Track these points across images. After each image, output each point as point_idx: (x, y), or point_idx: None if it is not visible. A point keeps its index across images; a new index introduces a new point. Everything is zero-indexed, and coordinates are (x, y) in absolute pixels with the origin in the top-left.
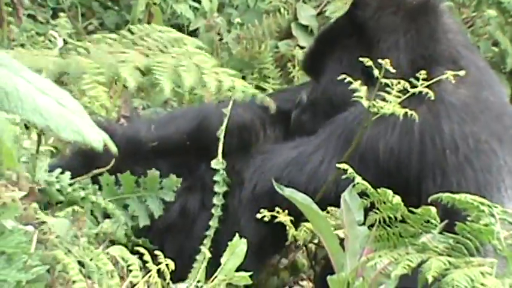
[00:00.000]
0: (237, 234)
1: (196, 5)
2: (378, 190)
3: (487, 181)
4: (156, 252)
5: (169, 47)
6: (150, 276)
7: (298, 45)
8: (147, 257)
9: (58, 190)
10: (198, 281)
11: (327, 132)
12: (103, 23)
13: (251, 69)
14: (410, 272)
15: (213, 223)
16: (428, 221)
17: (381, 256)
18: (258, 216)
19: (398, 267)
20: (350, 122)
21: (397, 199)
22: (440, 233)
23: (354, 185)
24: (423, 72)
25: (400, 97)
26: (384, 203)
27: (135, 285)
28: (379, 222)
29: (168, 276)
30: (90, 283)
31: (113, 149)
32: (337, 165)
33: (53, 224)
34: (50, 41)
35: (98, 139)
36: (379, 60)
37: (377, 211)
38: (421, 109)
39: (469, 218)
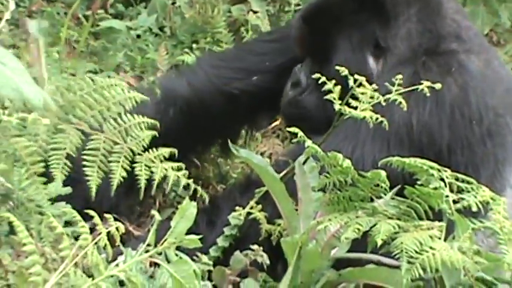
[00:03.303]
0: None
1: None
2: (328, 154)
3: (503, 157)
4: (106, 215)
5: None
6: (100, 239)
7: (251, 9)
8: (96, 219)
9: None
10: (149, 244)
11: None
12: None
13: (204, 33)
14: (360, 236)
15: None
16: (378, 185)
17: (331, 220)
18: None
19: (348, 231)
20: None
21: (347, 163)
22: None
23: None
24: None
25: (371, 102)
26: (335, 166)
27: (84, 247)
28: (331, 186)
29: (118, 239)
30: (40, 246)
31: (53, 107)
32: (290, 129)
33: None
34: (2, 4)
35: (37, 97)
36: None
37: (328, 175)
38: (448, 80)
39: (418, 182)
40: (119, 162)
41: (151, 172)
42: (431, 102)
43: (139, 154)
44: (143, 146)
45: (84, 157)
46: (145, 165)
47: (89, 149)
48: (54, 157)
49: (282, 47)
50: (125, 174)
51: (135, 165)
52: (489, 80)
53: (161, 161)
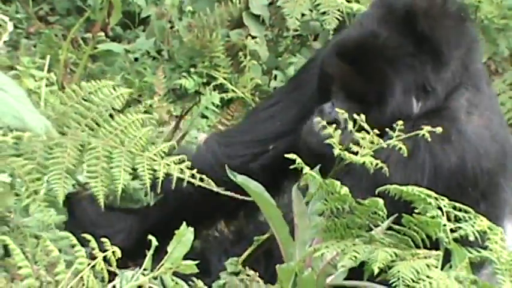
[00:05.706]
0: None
1: None
2: (326, 181)
3: (495, 215)
4: (103, 239)
5: None
6: (96, 263)
7: (249, 34)
8: (93, 243)
9: None
10: (145, 269)
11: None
12: (54, 8)
13: (202, 57)
14: (357, 264)
15: None
16: (375, 213)
17: (328, 247)
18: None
19: (345, 258)
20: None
21: (345, 190)
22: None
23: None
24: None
25: (372, 146)
26: (332, 193)
27: (81, 271)
28: (328, 213)
29: (114, 264)
30: (36, 269)
31: (55, 134)
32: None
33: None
34: (0, 25)
35: (39, 126)
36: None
37: (325, 202)
38: (448, 150)
39: (416, 211)
40: (120, 166)
41: (154, 170)
42: (430, 169)
43: (139, 155)
44: (141, 145)
45: (86, 168)
46: (147, 164)
47: (88, 160)
48: (54, 173)
49: (289, 104)
50: (128, 177)
51: (137, 166)
52: (485, 142)
53: (162, 158)
